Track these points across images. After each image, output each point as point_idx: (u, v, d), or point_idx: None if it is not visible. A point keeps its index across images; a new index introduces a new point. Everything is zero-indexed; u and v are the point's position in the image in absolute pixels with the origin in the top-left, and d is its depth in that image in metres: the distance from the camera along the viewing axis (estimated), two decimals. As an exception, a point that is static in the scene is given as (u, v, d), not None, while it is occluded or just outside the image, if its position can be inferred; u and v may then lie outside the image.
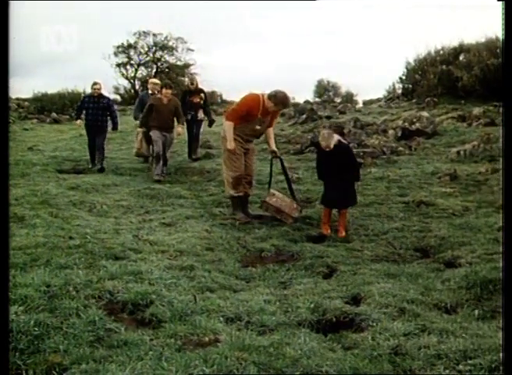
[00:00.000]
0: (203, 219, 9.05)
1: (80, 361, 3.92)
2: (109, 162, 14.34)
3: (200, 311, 4.96)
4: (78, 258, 6.27)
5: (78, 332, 4.36)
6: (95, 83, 14.32)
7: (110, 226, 8.18)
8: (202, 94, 15.08)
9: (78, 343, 4.21)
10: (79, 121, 14.73)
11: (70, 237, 7.26)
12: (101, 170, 13.56)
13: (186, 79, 18.02)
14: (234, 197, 9.36)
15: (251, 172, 9.74)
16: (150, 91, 14.48)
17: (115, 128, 14.95)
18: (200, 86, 15.55)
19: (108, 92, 41.81)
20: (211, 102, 14.84)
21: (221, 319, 4.83)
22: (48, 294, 5.00)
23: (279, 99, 9.20)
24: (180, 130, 13.54)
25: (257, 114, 9.22)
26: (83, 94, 16.30)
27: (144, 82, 41.47)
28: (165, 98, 12.97)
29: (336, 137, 8.67)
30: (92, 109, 14.18)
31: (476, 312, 5.22)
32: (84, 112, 14.48)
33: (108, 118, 14.47)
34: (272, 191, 9.46)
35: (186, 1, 52.28)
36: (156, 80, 15.34)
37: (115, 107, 16.27)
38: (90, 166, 14.04)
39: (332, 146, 8.45)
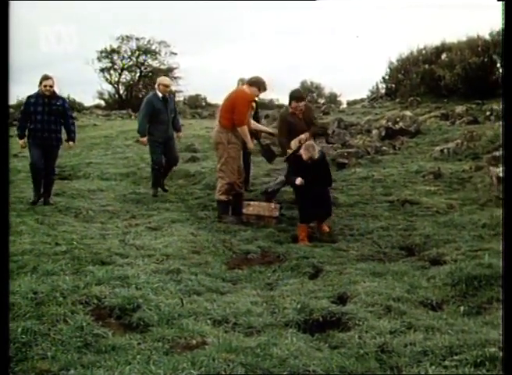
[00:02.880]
0: (189, 223, 9.06)
1: (68, 367, 3.92)
2: (94, 168, 14.31)
3: (187, 314, 4.97)
4: (65, 265, 6.26)
5: (66, 338, 4.36)
6: (46, 78, 10.00)
7: (96, 232, 8.18)
8: (253, 104, 10.69)
9: (66, 349, 4.21)
10: (22, 141, 10.20)
11: (56, 244, 7.24)
12: (50, 203, 10.10)
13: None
14: (222, 201, 9.40)
15: (243, 171, 9.88)
16: (160, 94, 11.21)
17: (71, 139, 10.49)
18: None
19: (92, 97, 41.93)
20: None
21: (208, 321, 4.84)
22: (35, 300, 4.99)
23: (261, 83, 9.52)
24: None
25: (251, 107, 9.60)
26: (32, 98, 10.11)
27: (128, 87, 41.51)
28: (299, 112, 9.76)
29: (318, 147, 8.60)
30: (42, 115, 9.96)
31: (461, 308, 5.27)
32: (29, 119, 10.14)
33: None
34: (245, 202, 9.54)
35: (170, 1, 52.31)
36: (168, 81, 11.81)
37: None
38: (32, 200, 10.14)
39: (316, 157, 8.37)
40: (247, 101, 9.35)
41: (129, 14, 58.53)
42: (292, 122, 9.64)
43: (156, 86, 11.55)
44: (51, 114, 10.02)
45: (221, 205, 9.45)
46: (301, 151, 8.45)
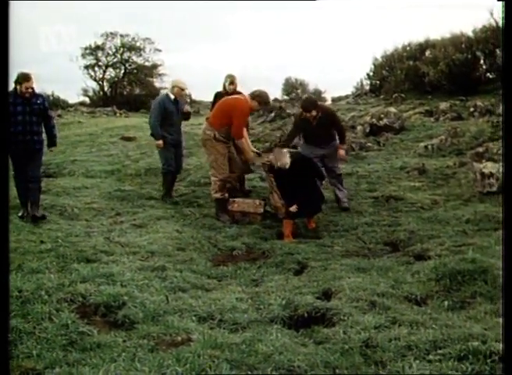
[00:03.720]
0: (174, 220, 9.06)
1: (54, 365, 3.92)
2: (79, 165, 14.24)
3: (172, 311, 4.98)
4: (50, 262, 6.27)
5: (51, 336, 4.36)
6: (27, 79, 8.62)
7: (81, 229, 8.16)
8: None
9: (51, 347, 4.21)
10: None
11: (41, 242, 7.24)
12: (43, 217, 8.76)
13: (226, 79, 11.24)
14: (219, 199, 9.40)
15: (240, 168, 9.98)
16: (172, 96, 10.62)
17: (52, 144, 9.38)
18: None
19: (76, 94, 41.75)
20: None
21: (193, 318, 4.85)
22: (20, 299, 4.99)
23: (264, 98, 9.47)
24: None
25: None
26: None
27: (113, 83, 41.41)
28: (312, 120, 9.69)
29: (287, 153, 8.44)
30: (22, 115, 8.65)
31: (446, 303, 5.30)
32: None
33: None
34: (230, 199, 9.54)
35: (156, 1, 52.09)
36: (183, 84, 10.96)
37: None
38: (20, 214, 8.87)
39: (288, 165, 8.30)
40: (245, 113, 9.33)
41: (116, 13, 58.43)
42: (301, 126, 9.85)
43: (170, 87, 11.09)
44: (32, 114, 8.74)
45: (218, 203, 9.48)
46: (271, 158, 8.59)
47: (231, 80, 11.09)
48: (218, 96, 11.10)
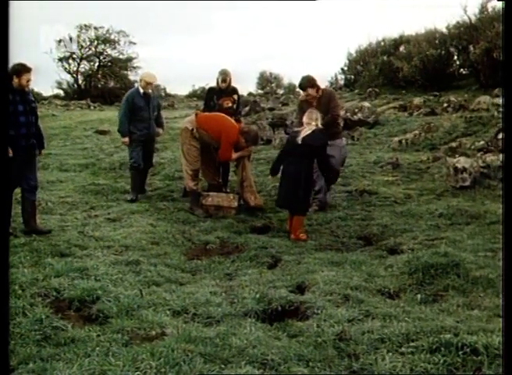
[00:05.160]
0: (148, 214, 9.04)
1: (27, 360, 3.91)
2: (53, 159, 14.13)
3: (146, 305, 4.98)
4: (23, 257, 6.24)
5: (25, 331, 4.34)
6: (27, 70, 7.32)
7: (55, 224, 8.10)
8: (235, 96, 10.66)
9: (25, 342, 4.20)
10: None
11: (15, 236, 7.18)
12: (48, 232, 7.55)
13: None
14: (194, 190, 9.43)
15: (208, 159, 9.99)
16: (142, 90, 10.19)
17: (42, 146, 8.04)
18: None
19: (50, 87, 41.35)
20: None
21: (167, 312, 4.85)
22: (-7, 293, 4.96)
23: (251, 138, 9.52)
24: None
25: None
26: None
27: (87, 76, 41.12)
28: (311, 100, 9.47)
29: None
30: (25, 116, 7.42)
31: (418, 296, 5.36)
32: None
33: None
34: (204, 193, 9.58)
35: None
36: (150, 78, 10.38)
37: None
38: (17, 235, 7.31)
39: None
40: (230, 141, 9.30)
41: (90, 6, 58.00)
42: (303, 109, 9.17)
43: (138, 81, 10.65)
44: (32, 114, 7.55)
45: (192, 196, 9.52)
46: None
47: (223, 77, 10.43)
48: (211, 91, 10.82)
